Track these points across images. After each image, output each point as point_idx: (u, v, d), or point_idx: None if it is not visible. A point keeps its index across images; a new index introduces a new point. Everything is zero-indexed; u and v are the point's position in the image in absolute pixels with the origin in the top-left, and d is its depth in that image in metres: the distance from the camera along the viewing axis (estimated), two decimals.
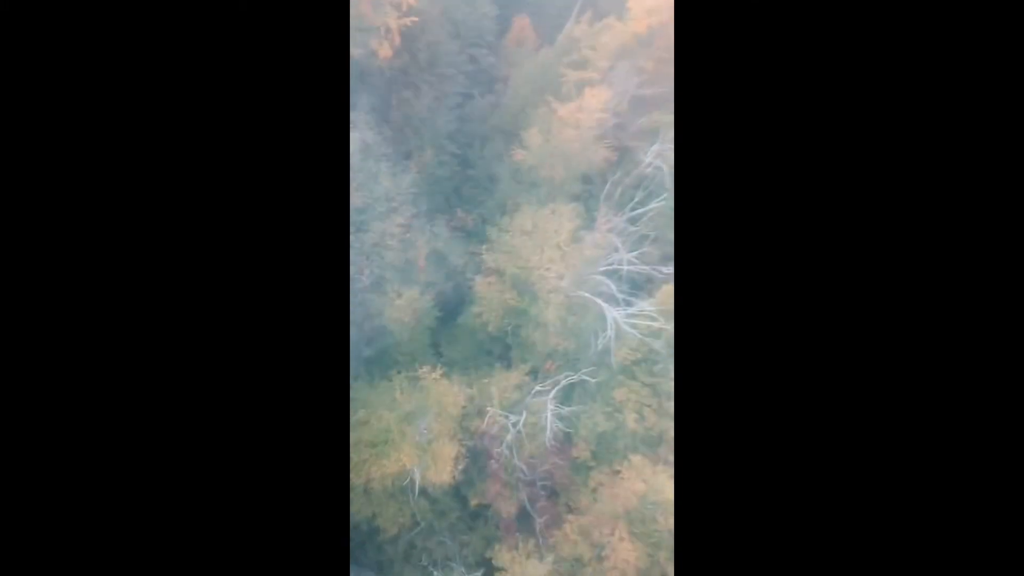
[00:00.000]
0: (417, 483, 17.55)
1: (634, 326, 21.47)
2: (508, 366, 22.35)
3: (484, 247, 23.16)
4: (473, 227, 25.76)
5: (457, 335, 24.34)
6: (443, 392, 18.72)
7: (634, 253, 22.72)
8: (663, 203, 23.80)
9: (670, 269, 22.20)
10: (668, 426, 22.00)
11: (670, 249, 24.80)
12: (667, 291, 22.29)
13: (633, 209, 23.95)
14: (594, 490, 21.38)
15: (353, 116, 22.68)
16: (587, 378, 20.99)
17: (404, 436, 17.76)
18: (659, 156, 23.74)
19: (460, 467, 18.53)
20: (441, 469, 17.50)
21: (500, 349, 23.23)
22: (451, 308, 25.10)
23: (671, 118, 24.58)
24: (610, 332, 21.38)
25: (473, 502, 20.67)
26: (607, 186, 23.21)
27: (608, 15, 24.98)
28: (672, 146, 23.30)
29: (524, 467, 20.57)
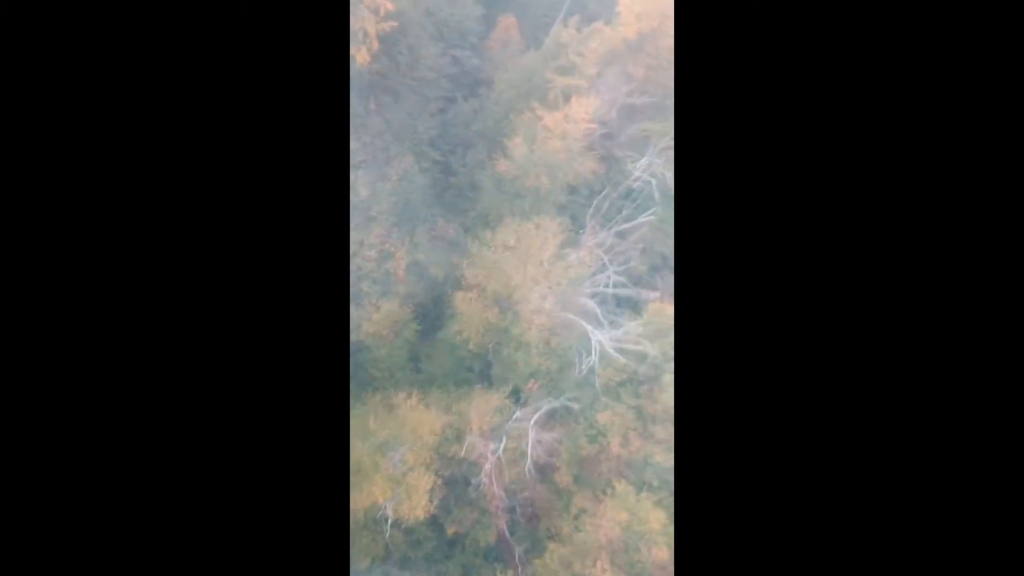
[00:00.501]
0: (390, 519, 16.73)
1: (619, 348, 20.73)
2: (489, 386, 21.54)
3: (465, 262, 22.25)
4: (455, 237, 24.83)
5: (436, 350, 23.47)
6: (419, 420, 17.89)
7: (621, 271, 21.93)
8: (652, 217, 23.01)
9: (657, 290, 21.47)
10: (653, 450, 21.34)
11: (659, 265, 24.09)
12: (653, 311, 21.55)
13: (621, 223, 23.14)
14: (576, 517, 20.73)
15: None
16: (570, 403, 20.26)
17: (377, 467, 16.94)
18: (649, 169, 22.88)
19: (436, 500, 17.73)
20: (416, 503, 16.71)
21: (481, 367, 22.41)
22: (431, 321, 24.22)
23: (661, 128, 23.73)
24: (594, 354, 20.63)
25: (450, 531, 19.92)
26: (595, 200, 22.34)
27: (597, 19, 23.97)
28: (662, 159, 22.52)
29: (504, 494, 19.84)
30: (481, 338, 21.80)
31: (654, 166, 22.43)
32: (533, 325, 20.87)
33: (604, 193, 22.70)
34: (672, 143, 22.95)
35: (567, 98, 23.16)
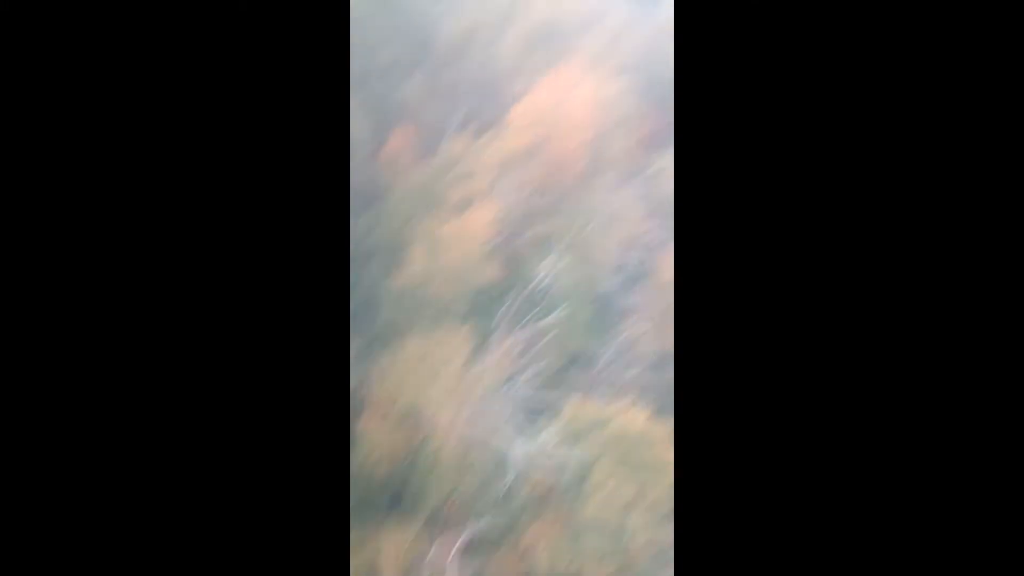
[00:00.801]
0: None
1: (538, 458, 19.65)
2: (402, 517, 19.70)
3: (371, 379, 20.88)
4: (358, 354, 23.44)
5: None
6: None
7: (534, 375, 21.21)
8: (561, 317, 22.69)
9: (574, 392, 20.87)
10: (584, 564, 19.94)
11: (570, 364, 23.57)
12: (570, 414, 20.76)
13: (530, 324, 22.62)
14: None
15: None
16: (491, 523, 18.80)
17: None
18: (554, 267, 22.81)
19: None
20: None
21: (391, 498, 20.58)
22: None
23: (561, 228, 23.93)
24: (513, 467, 19.46)
25: None
26: (502, 305, 21.83)
27: (490, 127, 24.32)
28: (566, 258, 22.55)
29: None
30: (391, 462, 20.17)
31: (559, 264, 22.39)
32: (447, 442, 19.53)
33: (511, 296, 22.26)
34: (573, 240, 23.12)
35: (465, 205, 23.02)
